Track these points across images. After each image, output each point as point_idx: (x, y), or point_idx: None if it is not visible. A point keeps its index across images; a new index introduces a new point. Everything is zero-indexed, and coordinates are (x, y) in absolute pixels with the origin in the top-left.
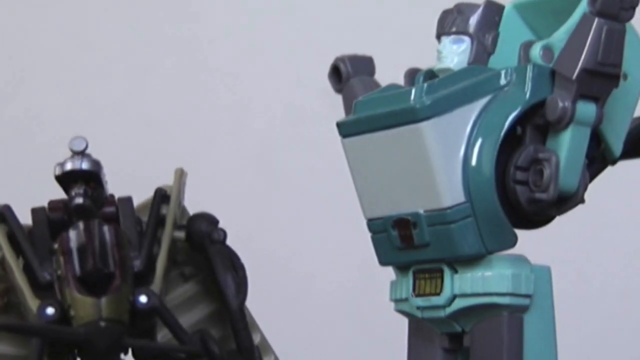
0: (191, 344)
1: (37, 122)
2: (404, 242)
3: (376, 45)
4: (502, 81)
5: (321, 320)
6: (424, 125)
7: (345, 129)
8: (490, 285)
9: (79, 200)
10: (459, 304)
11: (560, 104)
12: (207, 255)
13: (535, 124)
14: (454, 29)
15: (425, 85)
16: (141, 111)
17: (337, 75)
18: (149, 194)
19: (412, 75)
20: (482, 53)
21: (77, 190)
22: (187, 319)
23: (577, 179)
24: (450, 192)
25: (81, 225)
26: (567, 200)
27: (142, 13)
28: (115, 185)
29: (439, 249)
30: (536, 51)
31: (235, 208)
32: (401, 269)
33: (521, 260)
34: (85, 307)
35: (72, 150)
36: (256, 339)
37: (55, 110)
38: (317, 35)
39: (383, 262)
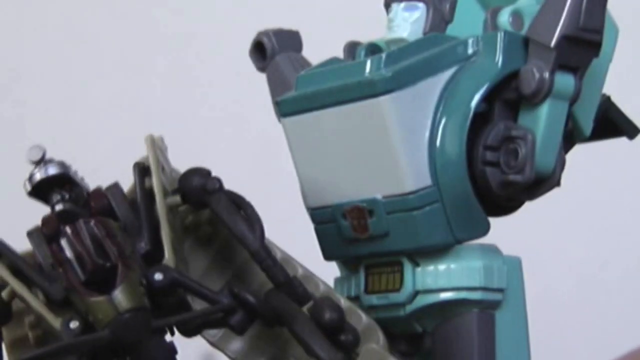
0: (223, 301)
1: (31, 121)
2: (358, 232)
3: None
4: (469, 50)
5: None
6: (384, 100)
7: (287, 107)
8: (458, 279)
9: (60, 206)
10: (421, 300)
11: (537, 75)
12: (210, 209)
13: (505, 98)
14: None
15: (384, 55)
16: (139, 109)
17: (261, 51)
18: None
19: (352, 49)
20: (438, 21)
21: (55, 197)
22: (221, 279)
23: (554, 158)
24: (414, 175)
25: (68, 230)
26: (543, 183)
27: (140, 10)
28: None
29: (400, 239)
30: (505, 17)
31: None
32: (349, 263)
33: (492, 250)
34: (101, 307)
35: (31, 162)
36: (298, 272)
37: (49, 109)
38: (319, 33)
39: (329, 256)
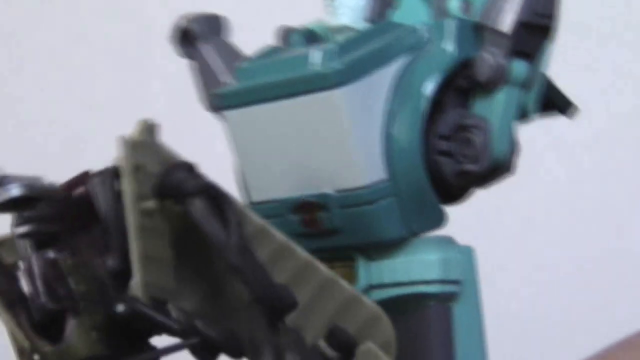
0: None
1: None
2: (308, 227)
3: None
4: (420, 38)
5: None
6: (337, 93)
7: (230, 100)
8: (414, 272)
9: (23, 229)
10: (376, 295)
11: (493, 62)
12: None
13: (457, 86)
14: None
15: (337, 47)
16: (139, 109)
17: (186, 38)
18: None
19: (285, 34)
20: (383, 7)
21: (19, 219)
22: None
23: (509, 146)
24: (368, 169)
25: (22, 267)
26: (497, 171)
27: (140, 10)
28: None
29: (353, 234)
30: (455, 4)
31: None
32: None
33: (448, 241)
34: (49, 357)
35: None
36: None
37: (49, 109)
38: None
39: None
